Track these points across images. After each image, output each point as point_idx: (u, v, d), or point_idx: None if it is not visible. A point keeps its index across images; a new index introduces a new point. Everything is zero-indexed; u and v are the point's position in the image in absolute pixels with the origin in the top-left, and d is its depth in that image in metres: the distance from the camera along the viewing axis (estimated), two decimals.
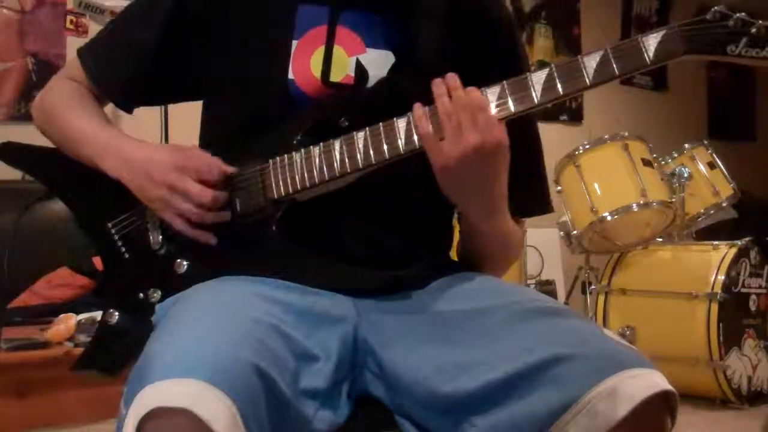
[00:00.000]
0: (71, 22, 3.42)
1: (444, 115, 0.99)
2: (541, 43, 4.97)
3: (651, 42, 0.96)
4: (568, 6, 5.15)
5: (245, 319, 0.90)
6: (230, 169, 1.09)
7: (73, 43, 3.37)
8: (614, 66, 0.97)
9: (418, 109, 1.01)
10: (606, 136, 3.26)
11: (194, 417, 0.77)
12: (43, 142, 1.24)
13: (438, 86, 1.01)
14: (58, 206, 1.23)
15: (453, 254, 1.25)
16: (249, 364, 0.83)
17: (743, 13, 0.94)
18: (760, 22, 0.94)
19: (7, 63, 3.34)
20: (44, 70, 3.36)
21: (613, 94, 5.22)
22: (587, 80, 0.98)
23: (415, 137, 1.02)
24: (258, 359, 0.84)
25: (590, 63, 0.98)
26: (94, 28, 3.31)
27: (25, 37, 3.38)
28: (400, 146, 1.02)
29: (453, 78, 1.01)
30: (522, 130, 1.13)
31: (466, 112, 0.98)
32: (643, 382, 0.86)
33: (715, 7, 0.95)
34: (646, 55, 0.96)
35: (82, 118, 1.19)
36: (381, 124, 1.03)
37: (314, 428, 0.93)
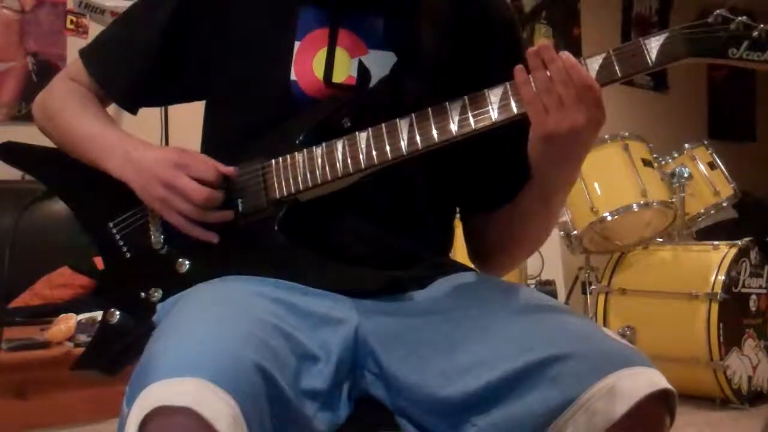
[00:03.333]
0: (71, 22, 3.43)
1: (543, 90, 0.96)
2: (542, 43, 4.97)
3: (653, 44, 0.97)
4: (568, 6, 5.15)
5: (247, 318, 0.91)
6: (228, 170, 1.09)
7: (73, 43, 3.37)
8: (617, 68, 0.98)
9: (520, 73, 0.98)
10: (606, 136, 3.26)
11: (197, 416, 0.77)
12: (43, 142, 1.24)
13: (532, 57, 0.98)
14: (57, 206, 1.23)
15: (456, 256, 1.25)
16: (251, 364, 0.83)
17: (745, 17, 0.95)
18: (762, 25, 0.95)
19: (7, 63, 3.34)
20: (44, 70, 3.36)
21: (613, 94, 5.22)
22: None
23: (418, 136, 1.02)
24: (260, 358, 0.84)
25: (593, 65, 0.98)
26: (94, 28, 3.32)
27: (25, 37, 3.38)
28: (403, 147, 1.03)
29: (547, 49, 0.98)
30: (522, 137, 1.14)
31: (569, 90, 0.95)
32: (642, 381, 0.86)
33: (717, 11, 0.96)
34: (648, 57, 0.97)
35: (86, 118, 1.19)
36: (383, 124, 1.03)
37: (315, 428, 0.93)
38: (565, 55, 0.97)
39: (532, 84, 0.98)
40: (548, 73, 0.97)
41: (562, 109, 0.96)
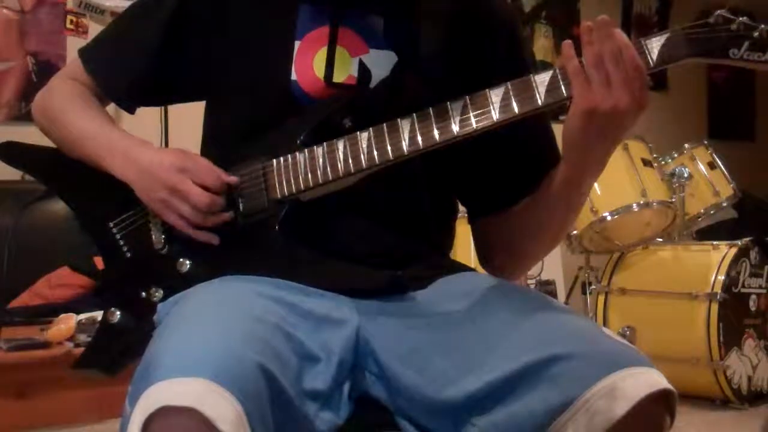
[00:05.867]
0: (71, 22, 3.43)
1: (592, 66, 0.95)
2: (541, 43, 4.97)
3: (654, 45, 0.96)
4: (568, 6, 5.15)
5: (249, 317, 0.91)
6: (232, 179, 1.09)
7: (73, 43, 3.38)
8: None
9: (568, 47, 0.97)
10: None
11: (200, 416, 0.77)
12: (44, 142, 1.24)
13: (586, 32, 0.97)
14: (57, 206, 1.23)
15: (456, 256, 1.25)
16: (253, 363, 0.83)
17: (746, 17, 0.95)
18: (762, 26, 0.94)
19: (7, 63, 3.34)
20: (44, 70, 3.36)
21: None
22: None
23: (419, 136, 1.02)
24: (262, 358, 0.84)
25: None
26: (94, 28, 3.32)
27: (25, 37, 3.38)
28: (404, 147, 1.02)
29: (606, 26, 0.96)
30: (539, 127, 1.16)
31: (618, 69, 0.94)
32: (642, 381, 0.86)
33: (718, 11, 0.95)
34: (649, 57, 0.96)
35: (86, 118, 1.19)
36: (384, 124, 1.03)
37: (315, 428, 0.94)
38: (619, 33, 0.96)
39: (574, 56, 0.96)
40: (599, 49, 0.95)
41: (607, 87, 0.94)
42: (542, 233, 1.17)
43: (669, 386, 0.88)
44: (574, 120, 0.97)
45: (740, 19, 0.95)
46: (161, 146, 3.03)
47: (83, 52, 1.25)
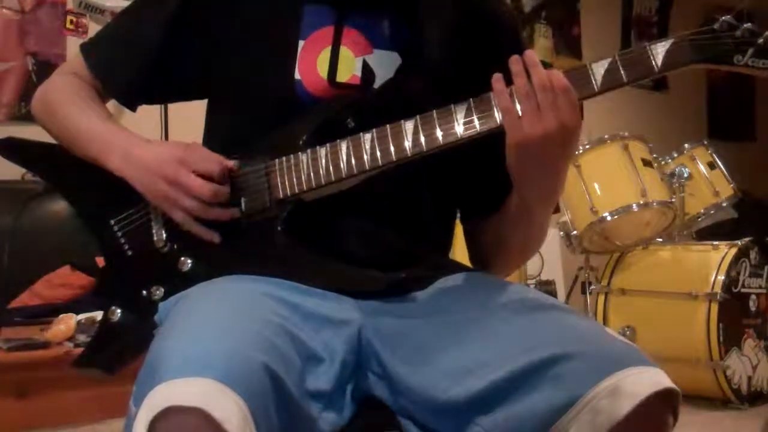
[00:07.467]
0: (71, 22, 3.43)
1: (522, 96, 0.98)
2: (542, 43, 4.97)
3: (659, 50, 0.98)
4: (568, 6, 5.16)
5: (253, 318, 0.91)
6: (230, 163, 1.09)
7: (73, 43, 3.37)
8: (622, 73, 0.98)
9: (498, 82, 0.99)
10: (606, 136, 3.26)
11: (207, 416, 0.77)
12: (44, 140, 1.23)
13: (515, 63, 0.99)
14: (57, 205, 1.23)
15: (456, 256, 1.25)
16: (259, 364, 0.83)
17: (750, 23, 0.96)
18: (767, 33, 0.95)
19: (7, 63, 3.34)
20: (44, 70, 3.35)
21: (613, 94, 5.19)
22: (595, 87, 0.99)
23: (422, 138, 1.02)
24: (267, 358, 0.84)
25: (598, 70, 0.99)
26: (94, 28, 3.32)
27: (25, 37, 3.38)
28: (407, 148, 1.02)
29: (530, 55, 0.99)
30: None
31: (547, 93, 0.97)
32: (646, 380, 0.87)
33: (723, 18, 0.97)
34: (654, 63, 0.98)
35: (86, 114, 1.18)
36: (388, 125, 1.03)
37: (319, 429, 0.94)
38: (536, 57, 0.99)
39: (507, 92, 0.99)
40: (528, 80, 0.97)
41: (537, 114, 0.97)
42: (508, 248, 1.19)
43: (672, 386, 0.88)
44: (511, 154, 1.00)
45: (745, 26, 0.96)
46: (162, 141, 3.03)
47: (85, 48, 1.24)
